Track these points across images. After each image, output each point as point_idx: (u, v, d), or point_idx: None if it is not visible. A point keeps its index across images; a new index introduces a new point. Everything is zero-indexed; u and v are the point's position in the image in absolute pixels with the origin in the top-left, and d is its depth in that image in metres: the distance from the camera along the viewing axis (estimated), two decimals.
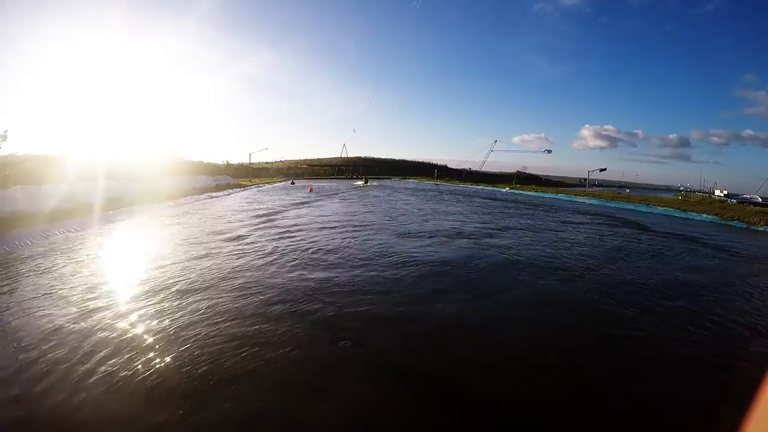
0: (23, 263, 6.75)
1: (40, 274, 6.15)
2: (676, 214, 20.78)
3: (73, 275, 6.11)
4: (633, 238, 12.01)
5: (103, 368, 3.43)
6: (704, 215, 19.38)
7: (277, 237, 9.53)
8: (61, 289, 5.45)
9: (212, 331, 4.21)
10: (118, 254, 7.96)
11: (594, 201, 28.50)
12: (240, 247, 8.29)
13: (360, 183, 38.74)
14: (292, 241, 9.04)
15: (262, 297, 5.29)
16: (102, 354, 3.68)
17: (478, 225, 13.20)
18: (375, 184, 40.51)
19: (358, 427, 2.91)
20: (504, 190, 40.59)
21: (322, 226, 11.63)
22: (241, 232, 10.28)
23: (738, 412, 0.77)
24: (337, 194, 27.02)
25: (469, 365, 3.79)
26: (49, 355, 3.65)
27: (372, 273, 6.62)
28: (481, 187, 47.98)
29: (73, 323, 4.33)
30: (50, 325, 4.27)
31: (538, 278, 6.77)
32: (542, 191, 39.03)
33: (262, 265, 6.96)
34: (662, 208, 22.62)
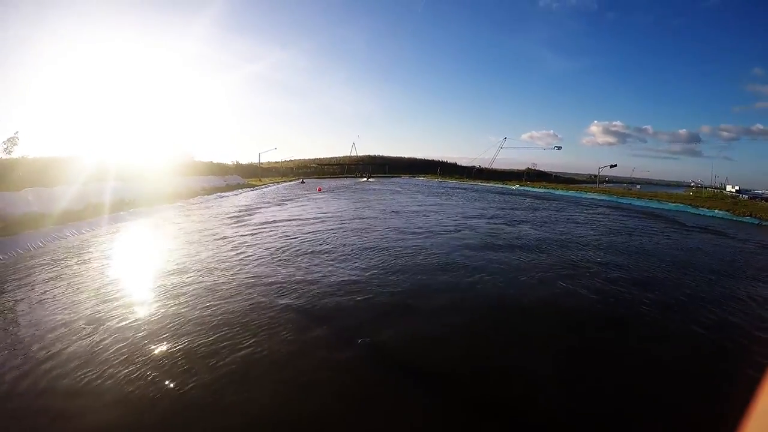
0: (36, 265, 6.80)
1: (53, 274, 6.25)
2: (688, 210, 20.24)
3: (85, 275, 6.22)
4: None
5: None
6: (716, 211, 18.82)
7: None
8: (74, 288, 5.57)
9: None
10: (128, 254, 8.11)
11: (604, 197, 28.03)
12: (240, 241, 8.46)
13: (363, 180, 52.65)
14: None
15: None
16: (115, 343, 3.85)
17: None
18: (372, 180, 51.68)
19: None
20: (514, 188, 40.13)
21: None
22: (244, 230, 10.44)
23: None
24: (342, 189, 30.23)
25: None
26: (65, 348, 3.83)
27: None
28: (491, 184, 47.50)
29: (86, 320, 4.45)
30: (63, 322, 4.40)
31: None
32: (552, 188, 38.44)
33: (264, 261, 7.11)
34: (673, 205, 22.03)
